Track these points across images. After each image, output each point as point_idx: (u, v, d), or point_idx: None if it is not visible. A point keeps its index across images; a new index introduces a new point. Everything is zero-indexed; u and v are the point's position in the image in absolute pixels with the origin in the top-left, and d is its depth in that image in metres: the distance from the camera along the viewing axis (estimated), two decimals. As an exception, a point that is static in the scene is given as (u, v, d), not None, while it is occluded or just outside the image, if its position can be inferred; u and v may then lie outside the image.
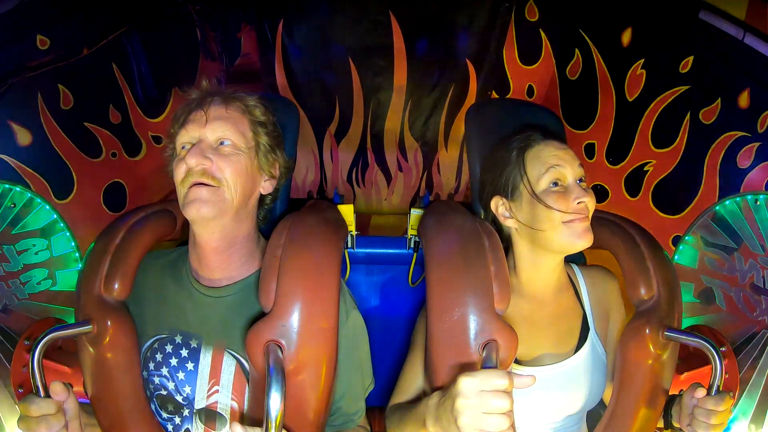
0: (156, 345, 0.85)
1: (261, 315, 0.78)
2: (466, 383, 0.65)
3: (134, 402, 0.82)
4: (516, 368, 0.86)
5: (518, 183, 0.87)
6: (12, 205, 1.09)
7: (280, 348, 0.74)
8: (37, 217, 1.14)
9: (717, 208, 1.20)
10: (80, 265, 0.97)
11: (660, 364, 0.84)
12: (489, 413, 0.63)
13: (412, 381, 0.91)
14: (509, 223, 0.91)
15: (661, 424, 0.88)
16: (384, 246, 1.28)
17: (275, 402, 0.69)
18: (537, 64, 1.85)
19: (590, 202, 0.84)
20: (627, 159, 1.48)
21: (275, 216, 0.98)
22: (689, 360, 1.09)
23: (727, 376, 1.05)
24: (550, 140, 0.88)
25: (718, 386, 0.78)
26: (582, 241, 0.83)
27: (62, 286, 1.18)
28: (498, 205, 0.91)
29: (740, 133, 1.16)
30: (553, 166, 0.84)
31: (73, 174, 1.25)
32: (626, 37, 1.44)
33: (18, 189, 1.09)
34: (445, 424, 0.69)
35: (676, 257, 1.28)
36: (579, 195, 0.83)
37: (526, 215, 0.87)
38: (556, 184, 0.85)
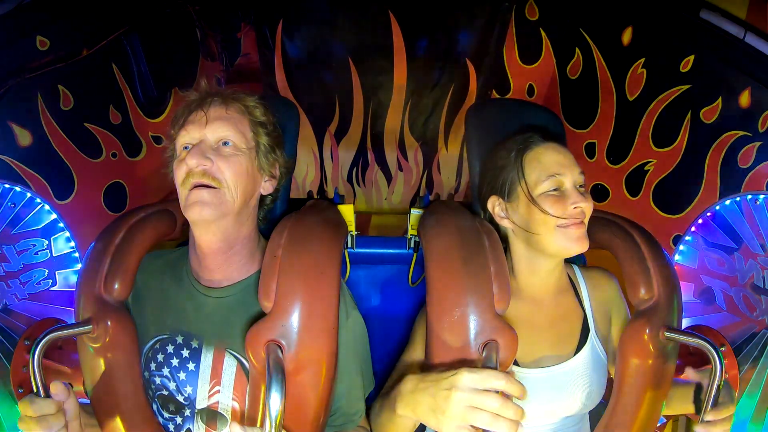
0: (157, 345, 0.85)
1: (261, 315, 0.78)
2: (468, 378, 0.67)
3: (134, 402, 0.82)
4: (516, 369, 0.86)
5: (516, 185, 0.87)
6: (12, 205, 1.09)
7: (280, 348, 0.74)
8: (37, 217, 1.14)
9: (717, 207, 1.19)
10: (80, 265, 0.97)
11: (660, 364, 0.84)
12: (478, 409, 0.66)
13: (404, 374, 0.90)
14: (505, 224, 0.91)
15: (666, 427, 0.88)
16: (384, 246, 1.28)
17: (275, 402, 0.69)
18: (537, 63, 1.84)
19: (587, 208, 0.84)
20: (627, 158, 1.48)
21: (275, 216, 0.98)
22: (689, 360, 1.09)
23: (727, 376, 1.04)
24: (550, 143, 0.88)
25: (719, 386, 0.78)
26: (576, 247, 0.83)
27: (62, 286, 1.18)
28: (494, 205, 0.91)
29: (741, 133, 1.16)
30: (554, 174, 0.84)
31: (74, 174, 1.25)
32: (627, 37, 1.44)
33: (18, 189, 1.09)
34: (422, 411, 0.71)
35: (676, 257, 1.28)
36: (576, 200, 0.83)
37: (522, 217, 0.87)
38: (554, 189, 0.85)
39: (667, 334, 0.81)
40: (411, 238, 1.23)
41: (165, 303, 0.87)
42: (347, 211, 1.12)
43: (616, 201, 1.52)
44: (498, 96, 2.01)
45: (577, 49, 1.63)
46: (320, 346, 0.77)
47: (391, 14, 1.90)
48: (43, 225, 1.15)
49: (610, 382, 0.90)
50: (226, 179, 0.80)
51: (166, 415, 0.85)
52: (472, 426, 0.66)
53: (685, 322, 1.23)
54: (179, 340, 0.84)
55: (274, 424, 0.69)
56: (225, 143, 0.82)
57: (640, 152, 1.44)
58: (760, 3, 1.10)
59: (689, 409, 0.88)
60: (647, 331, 0.82)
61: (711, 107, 1.22)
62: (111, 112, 1.39)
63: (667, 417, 0.87)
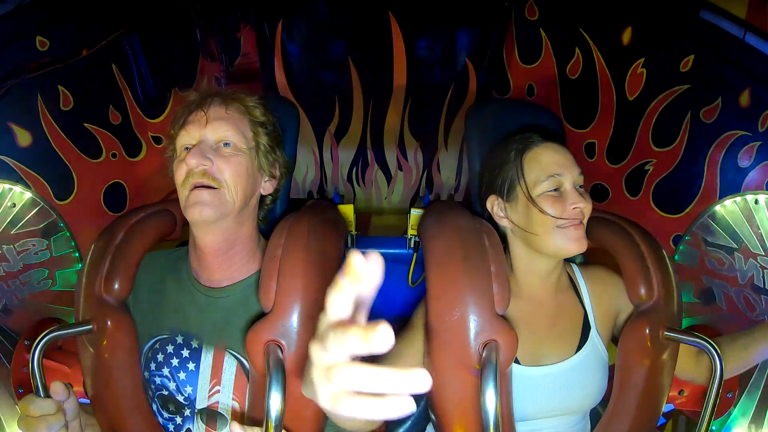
0: (157, 345, 0.85)
1: (261, 315, 0.78)
2: (315, 350, 0.42)
3: (134, 402, 0.82)
4: (517, 368, 0.86)
5: (515, 185, 0.87)
6: (12, 205, 1.09)
7: (280, 348, 0.74)
8: (37, 217, 1.14)
9: (717, 207, 1.19)
10: (80, 265, 0.97)
11: (660, 364, 0.84)
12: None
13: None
14: (504, 223, 0.91)
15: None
16: (384, 246, 1.28)
17: (275, 402, 0.69)
18: (537, 63, 1.84)
19: (586, 208, 0.84)
20: (627, 158, 1.48)
21: (275, 216, 0.98)
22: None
23: (727, 375, 1.04)
24: (549, 143, 0.88)
25: (719, 386, 0.78)
26: (575, 247, 0.83)
27: (62, 286, 1.18)
28: (493, 205, 0.91)
29: (741, 133, 1.16)
30: (553, 174, 0.84)
31: (74, 175, 1.25)
32: (626, 36, 1.44)
33: (18, 189, 1.09)
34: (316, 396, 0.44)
35: (676, 257, 1.28)
36: (575, 200, 0.83)
37: (520, 217, 0.87)
38: (553, 189, 0.85)
39: (667, 334, 0.81)
40: (411, 238, 1.24)
41: (165, 303, 0.87)
42: (347, 211, 1.13)
43: (616, 201, 1.51)
44: (498, 96, 2.01)
45: (577, 49, 1.63)
46: (320, 346, 0.77)
47: (390, 14, 1.90)
48: (43, 225, 1.15)
49: (610, 381, 0.91)
50: (226, 179, 0.80)
51: (165, 415, 0.85)
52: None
53: (685, 322, 1.23)
54: (179, 340, 0.84)
55: (274, 424, 0.69)
56: (225, 144, 0.82)
57: (640, 152, 1.44)
58: (760, 3, 1.10)
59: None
60: (647, 331, 0.83)
61: (711, 107, 1.22)
62: (111, 112, 1.39)
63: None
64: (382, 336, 0.35)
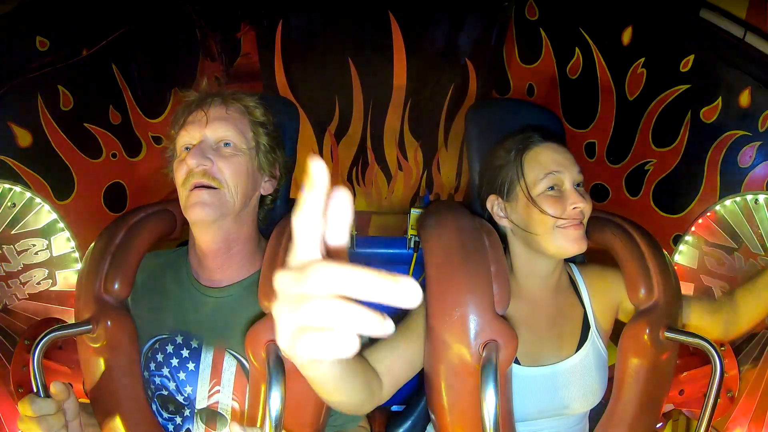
0: (157, 345, 0.85)
1: (261, 315, 0.78)
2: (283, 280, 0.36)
3: (134, 402, 0.82)
4: (516, 368, 0.86)
5: (515, 184, 0.87)
6: (12, 205, 1.09)
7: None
8: (37, 217, 1.14)
9: (717, 207, 1.19)
10: (80, 265, 0.97)
11: (660, 364, 0.84)
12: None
13: (381, 352, 0.82)
14: (504, 223, 0.91)
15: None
16: (384, 246, 1.28)
17: (275, 402, 0.69)
18: (537, 63, 1.84)
19: (586, 208, 0.84)
20: (628, 158, 1.48)
21: (275, 216, 0.98)
22: (689, 360, 1.09)
23: (727, 375, 1.05)
24: (549, 143, 0.88)
25: (719, 386, 0.78)
26: (575, 247, 0.83)
27: (62, 286, 1.18)
28: (493, 204, 0.91)
29: (741, 132, 1.16)
30: (552, 172, 0.84)
31: (74, 175, 1.25)
32: (627, 36, 1.44)
33: (18, 189, 1.10)
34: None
35: (676, 257, 1.28)
36: (575, 200, 0.83)
37: (520, 217, 0.87)
38: (552, 188, 0.84)
39: (667, 334, 0.81)
40: (411, 238, 1.24)
41: (165, 303, 0.87)
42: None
43: (617, 200, 1.52)
44: (498, 96, 2.01)
45: (577, 49, 1.63)
46: (320, 346, 0.77)
47: (390, 14, 1.90)
48: (43, 225, 1.15)
49: (610, 381, 0.91)
50: (226, 179, 0.80)
51: (165, 415, 0.85)
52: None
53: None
54: (179, 339, 0.84)
55: (274, 424, 0.69)
56: (226, 144, 0.82)
57: (640, 152, 1.44)
58: (760, 3, 1.10)
59: None
60: (647, 331, 0.82)
61: (711, 107, 1.22)
62: (111, 112, 1.39)
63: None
64: (413, 286, 0.31)
